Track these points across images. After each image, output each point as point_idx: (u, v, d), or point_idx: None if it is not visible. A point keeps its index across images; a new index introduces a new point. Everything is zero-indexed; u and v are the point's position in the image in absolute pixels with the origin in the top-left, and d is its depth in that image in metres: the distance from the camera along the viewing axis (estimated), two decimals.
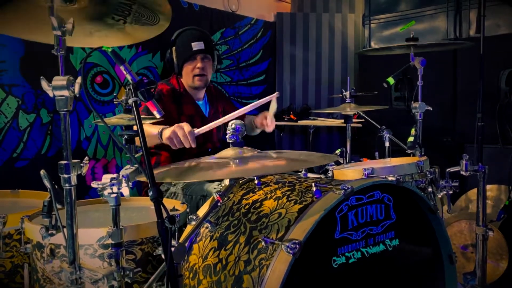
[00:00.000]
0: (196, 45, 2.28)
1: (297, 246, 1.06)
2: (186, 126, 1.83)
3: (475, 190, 2.91)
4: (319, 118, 3.90)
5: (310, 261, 1.16)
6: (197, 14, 3.30)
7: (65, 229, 1.20)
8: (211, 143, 2.46)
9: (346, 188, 1.18)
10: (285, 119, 3.80)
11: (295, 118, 3.78)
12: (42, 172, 1.25)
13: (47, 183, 1.25)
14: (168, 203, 1.75)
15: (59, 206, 1.23)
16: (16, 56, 2.37)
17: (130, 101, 1.07)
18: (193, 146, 1.83)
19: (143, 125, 1.07)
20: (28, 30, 1.32)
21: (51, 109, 2.47)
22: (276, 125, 3.97)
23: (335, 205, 1.17)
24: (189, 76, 2.33)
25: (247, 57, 3.79)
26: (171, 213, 1.50)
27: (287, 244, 1.07)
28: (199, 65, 2.31)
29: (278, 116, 3.93)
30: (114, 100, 1.38)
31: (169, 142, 1.86)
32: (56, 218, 1.25)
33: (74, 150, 2.57)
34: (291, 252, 1.06)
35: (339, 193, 1.19)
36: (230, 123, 1.32)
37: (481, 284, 1.90)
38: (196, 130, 1.84)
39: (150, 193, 1.00)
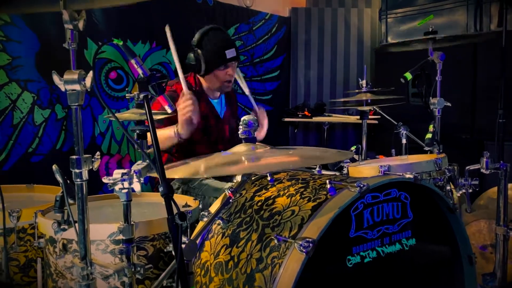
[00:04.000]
0: (230, 53, 2.20)
1: (311, 244, 1.03)
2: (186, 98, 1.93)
3: (494, 189, 2.82)
4: (334, 115, 3.85)
5: (324, 260, 1.13)
6: (211, 9, 3.29)
7: (76, 224, 1.20)
8: (222, 145, 2.42)
9: (361, 185, 1.14)
10: (299, 115, 3.76)
11: (310, 114, 3.73)
12: (54, 167, 1.24)
13: (59, 178, 1.25)
14: (181, 199, 1.73)
15: (71, 201, 1.23)
16: (32, 51, 2.38)
17: (141, 95, 1.05)
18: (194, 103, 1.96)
19: (157, 133, 1.07)
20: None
21: (66, 104, 2.48)
22: (290, 122, 3.96)
23: (350, 203, 1.14)
24: (217, 81, 2.26)
25: (261, 52, 3.76)
26: (183, 209, 1.50)
27: (300, 242, 1.04)
28: (230, 72, 2.26)
29: (292, 113, 3.90)
30: (126, 95, 1.36)
31: (186, 122, 1.94)
32: (68, 213, 1.25)
33: (88, 145, 2.58)
34: (304, 250, 1.03)
35: (354, 191, 1.15)
36: (242, 119, 1.29)
37: (501, 285, 1.84)
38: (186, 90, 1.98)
39: (160, 189, 0.98)
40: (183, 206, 1.62)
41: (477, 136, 3.04)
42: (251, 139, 1.28)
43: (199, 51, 2.23)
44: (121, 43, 1.11)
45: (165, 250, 1.16)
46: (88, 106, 2.58)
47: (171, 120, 2.20)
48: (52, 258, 1.43)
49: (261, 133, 2.44)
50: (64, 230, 1.27)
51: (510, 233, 1.83)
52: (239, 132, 1.29)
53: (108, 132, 2.70)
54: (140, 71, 1.10)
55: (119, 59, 2.72)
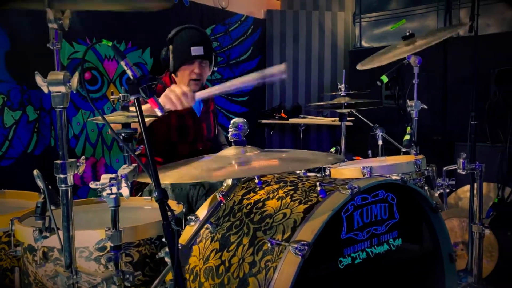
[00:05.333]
0: (195, 50, 2.17)
1: (306, 247, 1.03)
2: (182, 87, 1.76)
3: (464, 188, 2.95)
4: (309, 116, 3.89)
5: (317, 263, 1.14)
6: (188, 10, 3.25)
7: (60, 232, 1.15)
8: (201, 142, 2.42)
9: (353, 187, 1.16)
10: (276, 117, 3.78)
11: (286, 116, 3.76)
12: (35, 172, 1.19)
13: (40, 184, 1.20)
14: None
15: (52, 207, 1.19)
16: (1, 50, 2.28)
17: (132, 97, 1.03)
18: (191, 104, 1.77)
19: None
20: None
21: (38, 106, 2.39)
22: (266, 123, 3.97)
23: (342, 205, 1.15)
24: (184, 79, 2.25)
25: (238, 54, 3.75)
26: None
27: (296, 245, 1.04)
28: (196, 70, 2.23)
29: (268, 115, 3.91)
30: (111, 97, 1.33)
31: (167, 100, 1.75)
32: (50, 220, 1.20)
33: None
34: (299, 253, 1.03)
35: (345, 193, 1.17)
36: (232, 122, 1.28)
37: (477, 281, 1.91)
38: (197, 94, 1.77)
39: (154, 194, 0.96)
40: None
41: (448, 138, 3.14)
42: (241, 142, 1.27)
43: (170, 46, 2.23)
44: (110, 44, 1.08)
45: (156, 256, 1.13)
46: None
47: (168, 123, 2.18)
48: (31, 267, 1.37)
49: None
50: (46, 237, 1.22)
51: (486, 231, 1.90)
52: (228, 135, 1.28)
53: (82, 135, 2.61)
54: (130, 73, 1.07)
55: (93, 59, 2.65)
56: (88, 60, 2.62)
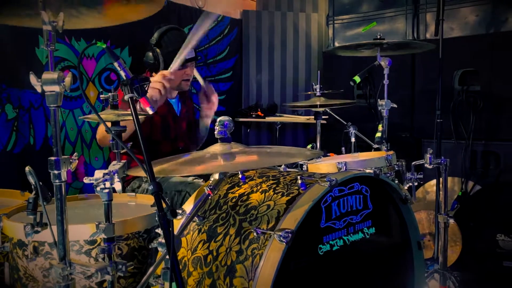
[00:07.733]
0: (189, 53, 2.25)
1: (290, 235, 1.12)
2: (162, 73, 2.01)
3: (431, 182, 3.13)
4: (285, 115, 4.00)
5: (298, 250, 1.23)
6: (165, 9, 3.28)
7: (52, 226, 1.20)
8: (182, 142, 2.49)
9: (331, 180, 1.26)
10: (253, 115, 3.86)
11: (263, 114, 3.85)
12: (27, 168, 1.23)
13: (32, 180, 1.24)
14: (147, 199, 1.76)
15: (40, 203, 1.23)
16: None
17: (126, 97, 1.09)
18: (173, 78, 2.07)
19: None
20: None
21: (17, 104, 2.38)
22: (243, 122, 4.05)
23: (322, 196, 1.25)
24: (176, 80, 2.32)
25: (215, 53, 3.81)
26: (153, 208, 1.53)
27: (280, 233, 1.13)
28: (188, 72, 2.33)
29: (245, 113, 3.99)
30: (101, 95, 1.38)
31: (156, 89, 1.98)
32: (41, 214, 1.25)
33: (41, 146, 2.49)
34: (284, 240, 1.12)
35: (324, 185, 1.26)
36: (218, 120, 1.35)
37: (443, 268, 2.06)
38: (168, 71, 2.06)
39: (150, 187, 1.02)
40: (152, 206, 1.64)
41: (415, 135, 3.31)
42: (226, 139, 1.35)
43: (158, 50, 2.28)
44: (104, 45, 1.13)
45: (150, 246, 1.19)
46: (41, 106, 2.49)
47: (151, 123, 2.24)
48: (21, 261, 1.41)
49: (213, 109, 2.55)
50: (37, 232, 1.26)
51: (450, 221, 2.04)
52: (215, 132, 1.35)
53: (62, 133, 2.62)
54: (122, 73, 1.13)
55: (73, 58, 2.65)
56: (66, 59, 2.62)
